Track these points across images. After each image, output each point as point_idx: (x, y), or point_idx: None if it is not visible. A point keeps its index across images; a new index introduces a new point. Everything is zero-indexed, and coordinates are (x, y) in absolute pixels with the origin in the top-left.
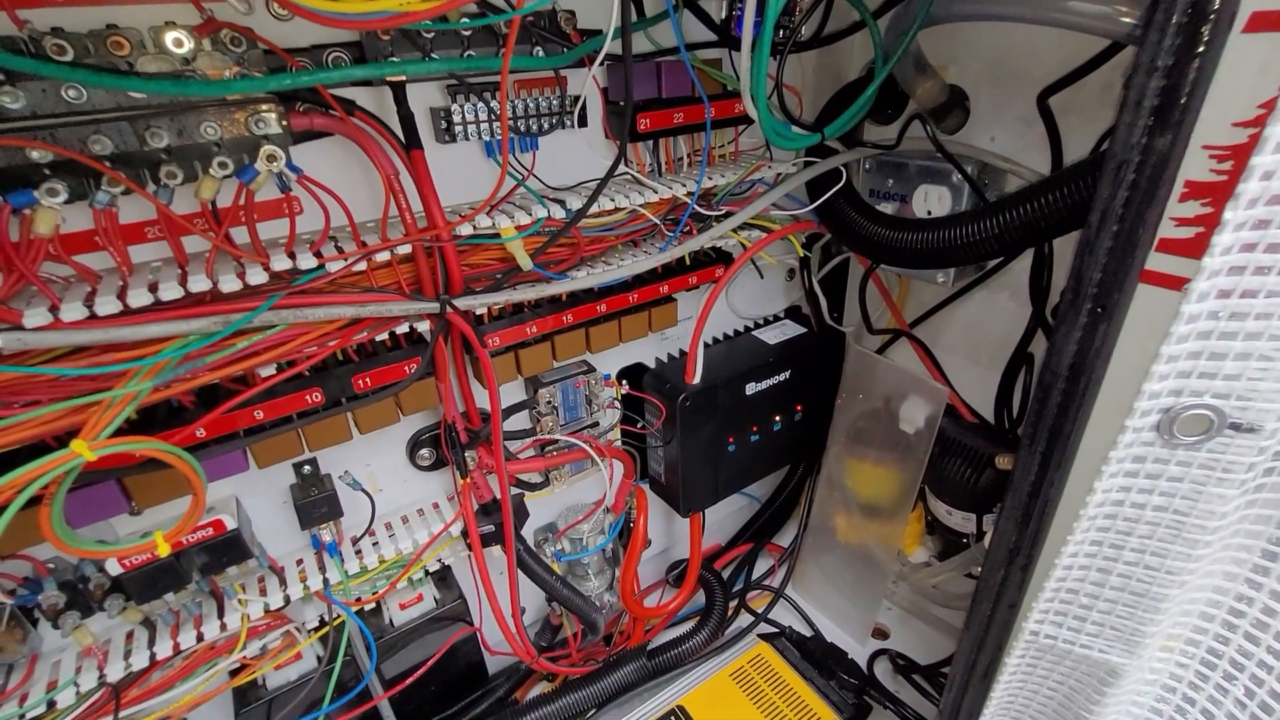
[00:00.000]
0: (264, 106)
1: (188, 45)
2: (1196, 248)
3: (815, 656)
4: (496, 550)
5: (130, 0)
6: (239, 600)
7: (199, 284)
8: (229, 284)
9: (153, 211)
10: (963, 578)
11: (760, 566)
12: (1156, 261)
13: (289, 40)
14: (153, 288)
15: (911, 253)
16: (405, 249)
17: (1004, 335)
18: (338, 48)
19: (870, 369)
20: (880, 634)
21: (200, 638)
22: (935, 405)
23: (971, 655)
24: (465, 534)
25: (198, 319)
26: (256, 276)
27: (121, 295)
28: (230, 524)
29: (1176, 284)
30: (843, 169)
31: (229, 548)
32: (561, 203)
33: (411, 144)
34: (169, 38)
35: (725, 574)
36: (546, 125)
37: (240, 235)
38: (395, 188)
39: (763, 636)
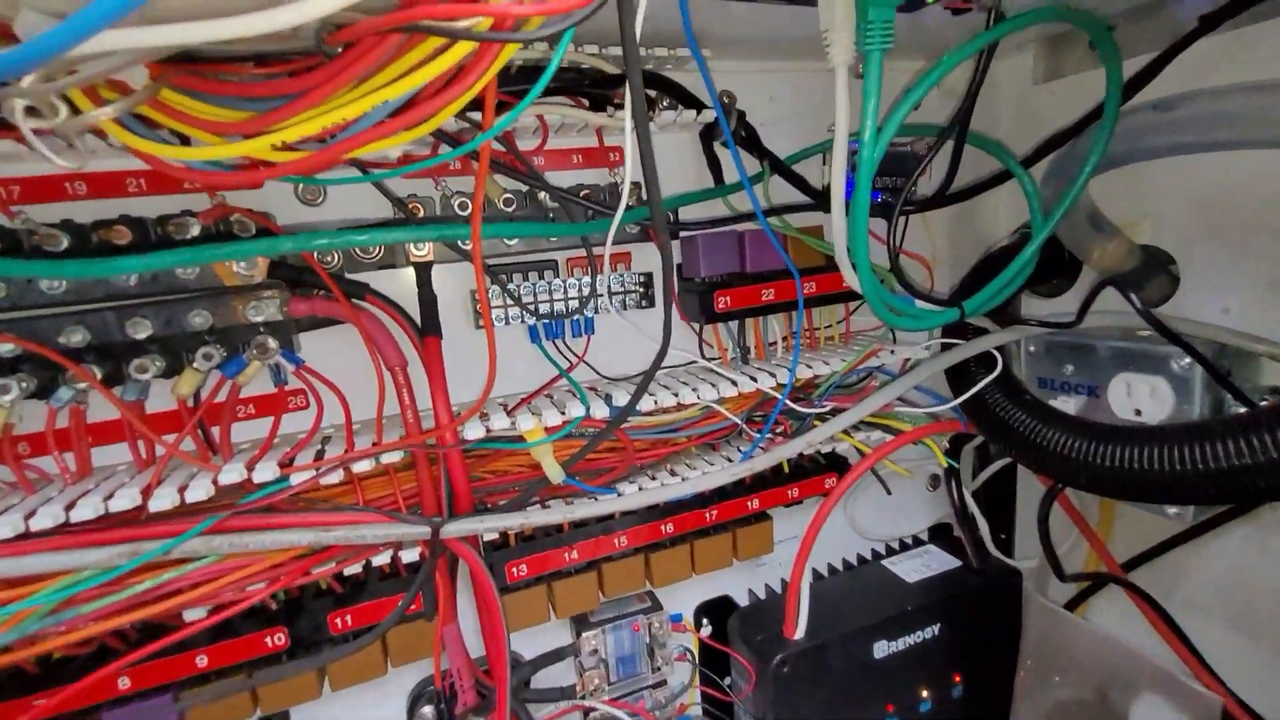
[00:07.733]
0: (266, 292)
1: (194, 230)
2: None
3: None
4: None
5: (141, 192)
6: None
7: (122, 501)
8: (161, 500)
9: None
10: None
11: None
12: None
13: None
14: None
15: (1120, 475)
16: (397, 456)
17: None
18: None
19: (1066, 636)
20: None
21: None
22: (1196, 717)
23: None
24: None
25: (96, 549)
26: (197, 491)
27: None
28: None
29: None
30: (997, 353)
31: None
32: (608, 397)
33: (428, 330)
34: (173, 225)
35: None
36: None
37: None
38: (400, 381)
39: None
